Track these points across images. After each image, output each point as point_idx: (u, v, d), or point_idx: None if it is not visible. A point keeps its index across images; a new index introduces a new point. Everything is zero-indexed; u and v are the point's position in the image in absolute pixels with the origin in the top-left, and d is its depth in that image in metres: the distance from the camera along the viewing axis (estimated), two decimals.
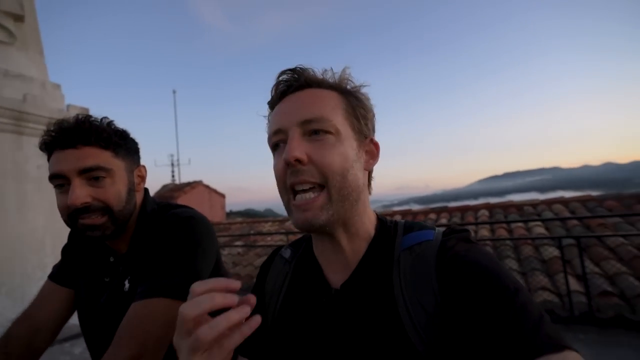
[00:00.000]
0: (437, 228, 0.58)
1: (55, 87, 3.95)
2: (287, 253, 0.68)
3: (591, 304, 3.18)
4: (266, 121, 0.62)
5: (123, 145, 0.83)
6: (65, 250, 0.94)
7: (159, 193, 10.78)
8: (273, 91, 0.59)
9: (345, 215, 0.55)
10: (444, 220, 6.24)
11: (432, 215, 6.57)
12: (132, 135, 0.89)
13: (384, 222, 0.61)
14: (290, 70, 0.58)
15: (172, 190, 10.83)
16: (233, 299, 0.40)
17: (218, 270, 0.89)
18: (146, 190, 0.94)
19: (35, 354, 0.84)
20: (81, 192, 0.74)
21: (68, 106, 3.95)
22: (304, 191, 0.53)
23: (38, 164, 3.36)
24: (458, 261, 0.49)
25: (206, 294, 0.40)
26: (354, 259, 0.58)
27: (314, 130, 0.53)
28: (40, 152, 0.80)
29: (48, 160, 0.79)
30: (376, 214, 0.63)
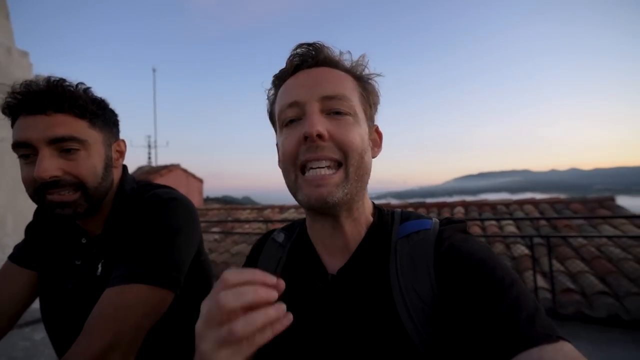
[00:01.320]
0: (434, 218, 0.58)
1: (23, 55, 3.66)
2: (280, 237, 0.66)
3: (555, 300, 3.36)
4: (267, 96, 0.60)
5: (101, 115, 0.76)
6: (29, 229, 0.86)
7: (134, 174, 10.41)
8: (287, 64, 0.57)
9: (355, 196, 0.54)
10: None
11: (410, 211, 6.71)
12: (111, 106, 0.82)
13: (381, 210, 0.61)
14: (308, 44, 0.56)
15: (148, 172, 10.46)
16: (274, 295, 0.38)
17: (199, 256, 0.85)
18: (124, 167, 0.87)
19: None
20: (50, 165, 0.66)
21: (36, 76, 3.67)
22: (319, 168, 0.51)
23: (1, 137, 3.12)
24: (455, 252, 0.49)
25: (247, 285, 0.37)
26: (352, 244, 0.57)
27: (334, 110, 0.53)
28: (3, 123, 0.72)
29: (12, 126, 0.71)
30: (372, 202, 0.63)
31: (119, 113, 0.85)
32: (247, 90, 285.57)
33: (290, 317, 0.39)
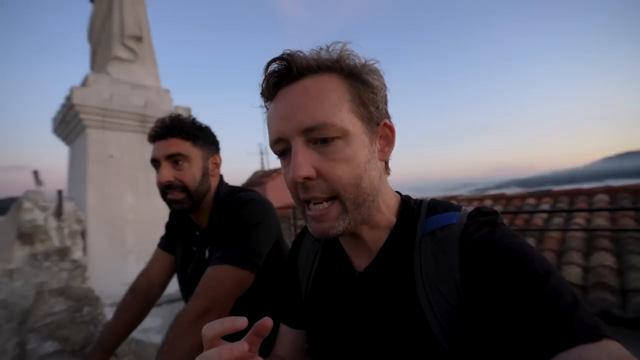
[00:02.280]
0: (463, 208, 0.53)
1: (166, 92, 4.74)
2: None
3: None
4: (264, 112, 0.55)
5: (201, 136, 1.02)
6: (167, 225, 1.20)
7: (250, 179, 11.97)
8: (264, 85, 0.52)
9: (363, 217, 0.52)
10: (545, 206, 5.42)
11: (531, 201, 5.75)
12: (212, 130, 1.08)
13: (407, 205, 0.57)
14: (278, 58, 0.49)
15: (261, 176, 11.87)
16: (241, 348, 0.39)
17: (278, 246, 1.03)
18: (221, 176, 1.13)
19: (151, 300, 1.12)
20: (167, 173, 0.95)
21: (176, 107, 4.71)
22: (317, 204, 0.49)
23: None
24: (481, 246, 0.45)
25: (215, 349, 0.39)
26: (375, 247, 0.56)
27: (320, 139, 0.47)
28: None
29: None
30: (400, 197, 0.60)
31: (233, 126, 1.11)
32: None
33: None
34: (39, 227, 2.54)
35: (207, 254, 1.00)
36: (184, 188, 0.97)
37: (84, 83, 3.99)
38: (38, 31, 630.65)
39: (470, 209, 0.54)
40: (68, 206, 3.04)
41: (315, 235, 0.51)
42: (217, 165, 1.09)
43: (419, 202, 0.58)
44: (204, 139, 1.03)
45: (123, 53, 4.38)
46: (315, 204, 0.49)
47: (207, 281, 0.85)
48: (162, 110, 4.31)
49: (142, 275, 1.14)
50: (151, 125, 1.01)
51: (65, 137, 4.26)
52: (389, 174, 0.57)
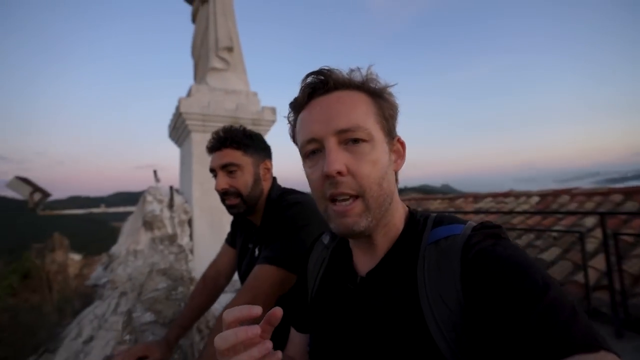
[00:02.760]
0: (469, 222, 0.55)
1: (254, 95, 5.19)
2: (326, 239, 0.74)
3: None
4: (288, 119, 0.63)
5: (251, 145, 1.10)
6: (232, 223, 1.34)
7: None
8: (300, 94, 0.59)
9: (382, 218, 0.57)
10: None
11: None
12: (262, 137, 1.16)
13: (414, 215, 0.61)
14: (316, 72, 0.58)
15: None
16: (255, 331, 0.43)
17: None
18: (274, 178, 1.19)
19: (219, 289, 1.27)
20: (222, 181, 1.06)
21: (262, 108, 5.13)
22: (343, 200, 0.54)
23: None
24: (482, 257, 0.47)
25: (230, 329, 0.44)
26: (381, 252, 0.59)
27: (351, 139, 0.54)
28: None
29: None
30: (408, 208, 0.63)
31: None
32: (437, 75, 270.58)
33: (278, 356, 0.44)
34: (156, 216, 3.09)
35: (257, 252, 1.09)
36: (238, 194, 1.07)
37: (189, 93, 4.67)
38: (164, 51, 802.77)
39: (474, 223, 0.55)
40: (178, 199, 3.62)
41: (339, 231, 0.56)
42: (268, 169, 1.16)
43: (426, 215, 0.61)
44: (254, 146, 1.11)
45: (218, 64, 4.96)
46: (341, 200, 0.54)
47: (251, 279, 0.92)
48: (250, 112, 4.75)
49: (212, 266, 1.31)
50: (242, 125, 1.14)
51: (177, 141, 5.08)
52: (397, 185, 0.61)
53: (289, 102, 0.62)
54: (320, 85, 0.57)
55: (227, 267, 1.30)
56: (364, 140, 0.54)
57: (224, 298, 1.49)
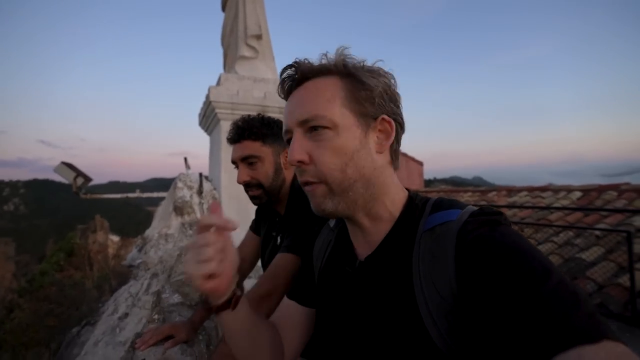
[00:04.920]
0: (468, 206, 0.54)
1: None
2: (332, 222, 0.75)
3: None
4: None
5: (269, 134, 1.08)
6: (256, 211, 1.35)
7: None
8: (279, 88, 0.62)
9: (357, 201, 0.57)
10: None
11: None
12: (282, 125, 1.14)
13: (413, 200, 0.60)
14: (288, 66, 0.60)
15: None
16: (209, 239, 0.51)
17: None
18: None
19: (242, 275, 1.29)
20: (243, 173, 1.06)
21: None
22: (310, 184, 0.58)
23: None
24: (479, 244, 0.45)
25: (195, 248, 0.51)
26: (377, 238, 0.59)
27: (313, 127, 0.55)
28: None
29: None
30: (408, 193, 0.62)
31: None
32: (472, 63, 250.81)
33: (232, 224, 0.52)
34: (186, 202, 3.20)
35: (279, 240, 1.08)
36: (260, 185, 1.06)
37: (218, 82, 4.75)
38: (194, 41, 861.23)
39: (474, 208, 0.53)
40: (206, 186, 3.73)
41: (313, 210, 0.59)
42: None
43: (426, 200, 0.60)
44: (273, 135, 1.09)
45: (247, 52, 4.99)
46: (308, 184, 0.58)
47: (272, 267, 0.92)
48: (278, 100, 4.76)
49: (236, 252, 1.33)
50: (270, 114, 1.14)
51: (207, 129, 5.21)
52: (396, 167, 0.61)
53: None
54: (294, 78, 0.59)
55: (250, 254, 1.31)
56: (325, 127, 0.54)
57: (247, 284, 1.51)
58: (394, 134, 0.58)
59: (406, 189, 0.63)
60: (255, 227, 1.33)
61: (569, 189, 6.16)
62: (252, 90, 4.75)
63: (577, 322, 0.34)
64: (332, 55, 0.58)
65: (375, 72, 0.58)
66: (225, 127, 4.70)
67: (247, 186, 1.08)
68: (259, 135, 1.07)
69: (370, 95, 0.56)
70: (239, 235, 1.51)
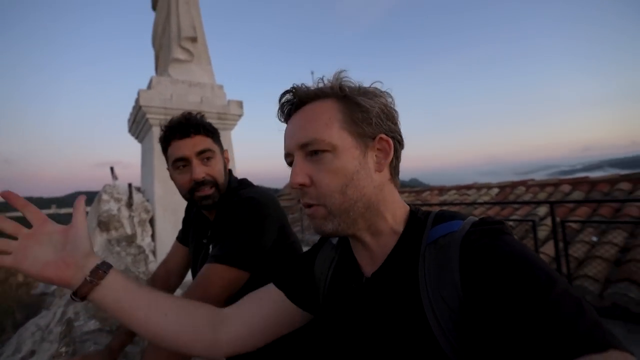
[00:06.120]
0: (468, 217, 0.55)
1: (220, 88, 5.01)
2: (334, 239, 0.74)
3: None
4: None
5: (216, 133, 1.04)
6: (183, 220, 1.28)
7: None
8: (279, 112, 0.63)
9: (357, 220, 0.58)
10: None
11: (625, 185, 4.83)
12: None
13: (415, 215, 0.61)
14: (287, 91, 0.61)
15: None
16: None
17: (286, 240, 1.02)
18: (230, 170, 1.15)
19: (171, 288, 1.21)
20: (199, 170, 0.96)
21: (229, 101, 4.96)
22: (311, 206, 0.58)
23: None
24: (482, 253, 0.46)
25: None
26: (381, 254, 0.59)
27: (313, 151, 0.56)
28: None
29: (164, 150, 1.04)
30: (409, 208, 0.63)
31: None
32: (407, 70, 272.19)
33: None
34: (113, 216, 2.91)
35: (211, 248, 1.04)
36: (214, 183, 0.99)
37: (149, 85, 4.43)
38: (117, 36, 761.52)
39: (475, 218, 0.54)
40: (137, 197, 3.43)
41: (315, 231, 0.59)
42: (228, 160, 1.11)
43: (427, 213, 0.61)
44: (217, 135, 1.05)
45: (180, 55, 4.73)
46: (308, 207, 0.58)
47: (200, 279, 0.87)
48: (215, 105, 4.59)
49: (162, 265, 1.24)
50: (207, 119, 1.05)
51: (137, 136, 4.81)
52: (397, 183, 0.62)
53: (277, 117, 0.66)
54: (293, 102, 0.61)
55: (178, 266, 1.23)
56: (324, 151, 0.55)
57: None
58: (392, 152, 0.59)
59: (407, 204, 0.64)
60: (182, 237, 1.25)
61: (489, 186, 6.97)
62: (187, 94, 4.51)
63: (583, 330, 0.34)
64: (328, 79, 0.60)
65: (371, 93, 0.59)
66: (158, 133, 4.36)
67: (202, 184, 0.97)
68: (210, 131, 1.01)
69: (367, 116, 0.57)
70: None
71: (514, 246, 0.45)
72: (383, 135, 0.58)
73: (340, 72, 0.59)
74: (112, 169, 3.64)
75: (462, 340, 0.45)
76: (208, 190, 0.98)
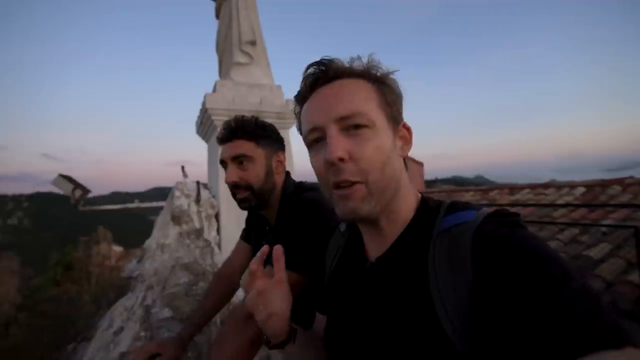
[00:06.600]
0: (483, 209, 0.53)
1: (278, 88, 5.15)
2: (342, 227, 0.74)
3: None
4: (293, 118, 0.64)
5: (264, 136, 1.03)
6: (246, 219, 1.30)
7: None
8: (302, 86, 0.60)
9: (387, 204, 0.56)
10: None
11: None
12: (275, 128, 1.09)
13: (426, 203, 0.60)
14: (316, 63, 0.58)
15: None
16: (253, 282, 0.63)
17: None
18: (287, 173, 1.13)
19: (234, 286, 1.23)
20: (232, 173, 1.01)
21: (287, 100, 5.08)
22: (346, 186, 0.55)
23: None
24: (497, 245, 0.45)
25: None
26: (390, 239, 0.59)
27: (353, 126, 0.54)
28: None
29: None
30: (421, 195, 0.62)
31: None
32: (466, 64, 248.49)
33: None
34: (184, 211, 3.16)
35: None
36: (249, 187, 1.01)
37: (214, 89, 4.73)
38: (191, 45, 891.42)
39: (488, 210, 0.52)
40: (204, 194, 3.69)
41: (344, 216, 0.56)
42: (281, 162, 1.10)
43: (439, 202, 0.60)
44: (267, 138, 1.05)
45: (241, 58, 4.97)
46: (344, 187, 0.54)
47: None
48: (274, 105, 4.72)
49: (226, 263, 1.27)
50: (266, 120, 1.09)
51: (204, 136, 5.18)
52: (407, 171, 0.61)
53: (294, 95, 0.63)
54: (322, 75, 0.58)
55: (242, 264, 1.26)
56: (365, 126, 0.54)
57: (241, 294, 1.46)
58: (412, 141, 0.61)
59: (419, 192, 0.64)
60: (245, 235, 1.28)
61: (572, 185, 6.08)
62: (248, 96, 4.71)
63: (599, 326, 0.34)
64: (362, 59, 0.59)
65: (396, 82, 0.60)
66: None
67: (236, 187, 1.02)
68: (254, 135, 1.02)
69: (396, 100, 0.58)
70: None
71: (530, 240, 0.44)
72: (405, 123, 0.60)
73: (372, 54, 0.59)
74: (182, 167, 3.97)
75: (471, 330, 0.44)
76: (243, 194, 1.01)
